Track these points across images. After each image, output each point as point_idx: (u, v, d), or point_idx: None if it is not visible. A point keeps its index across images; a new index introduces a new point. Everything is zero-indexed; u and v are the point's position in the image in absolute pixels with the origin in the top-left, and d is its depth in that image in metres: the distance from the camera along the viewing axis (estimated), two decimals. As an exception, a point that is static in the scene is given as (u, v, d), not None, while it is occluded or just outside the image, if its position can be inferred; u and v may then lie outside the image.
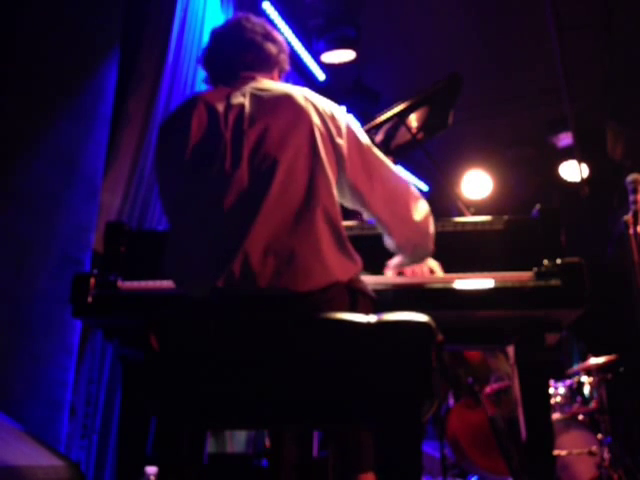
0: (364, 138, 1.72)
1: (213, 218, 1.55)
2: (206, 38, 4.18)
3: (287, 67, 1.85)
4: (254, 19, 1.81)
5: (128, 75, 3.63)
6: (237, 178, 1.54)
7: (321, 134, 1.60)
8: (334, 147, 1.62)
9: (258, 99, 1.63)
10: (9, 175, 2.90)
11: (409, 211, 1.75)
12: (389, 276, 1.94)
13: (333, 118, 1.65)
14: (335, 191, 1.59)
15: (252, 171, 1.54)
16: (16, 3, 3.01)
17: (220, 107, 1.63)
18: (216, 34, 1.81)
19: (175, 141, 1.65)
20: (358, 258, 1.61)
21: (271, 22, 4.82)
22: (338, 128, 1.65)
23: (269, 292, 1.48)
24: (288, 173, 1.53)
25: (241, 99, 1.64)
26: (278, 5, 4.80)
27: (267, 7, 4.74)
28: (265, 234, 1.49)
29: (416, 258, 1.87)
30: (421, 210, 1.78)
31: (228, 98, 1.65)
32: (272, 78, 1.80)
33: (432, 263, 1.95)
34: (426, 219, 1.79)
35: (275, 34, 1.82)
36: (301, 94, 1.65)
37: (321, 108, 1.65)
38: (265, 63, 1.77)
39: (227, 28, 1.81)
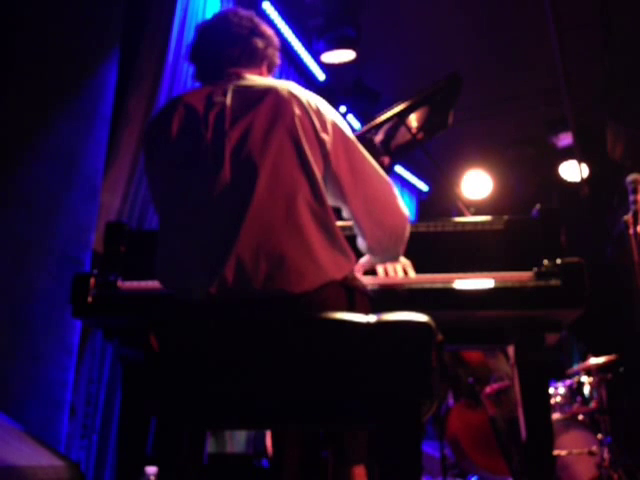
0: (350, 135, 1.68)
1: (200, 222, 1.52)
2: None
3: (277, 61, 1.81)
4: (242, 13, 1.77)
5: (128, 75, 3.63)
6: (220, 179, 1.51)
7: (304, 128, 1.56)
8: (319, 142, 1.58)
9: (240, 96, 1.60)
10: (9, 175, 2.89)
11: (386, 214, 1.72)
12: (389, 277, 1.94)
13: (318, 112, 1.61)
14: (323, 186, 1.56)
15: (235, 172, 1.51)
16: (16, 3, 3.01)
17: (200, 107, 1.60)
18: (203, 28, 1.77)
19: (157, 145, 1.63)
20: (351, 253, 1.59)
21: (271, 22, 4.82)
22: (323, 123, 1.61)
23: (263, 295, 1.46)
24: (272, 173, 1.50)
25: (222, 97, 1.60)
26: (278, 5, 4.80)
27: (267, 7, 4.74)
28: (254, 236, 1.46)
29: (384, 260, 1.86)
30: (399, 215, 1.74)
31: (209, 97, 1.61)
32: (261, 73, 1.77)
33: (404, 261, 1.93)
34: (402, 225, 1.75)
35: (263, 28, 1.77)
36: (285, 87, 1.61)
37: (305, 101, 1.60)
38: (252, 57, 1.73)
39: (214, 22, 1.77)
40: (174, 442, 1.44)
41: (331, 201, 1.68)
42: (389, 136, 2.87)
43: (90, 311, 2.01)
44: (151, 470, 2.66)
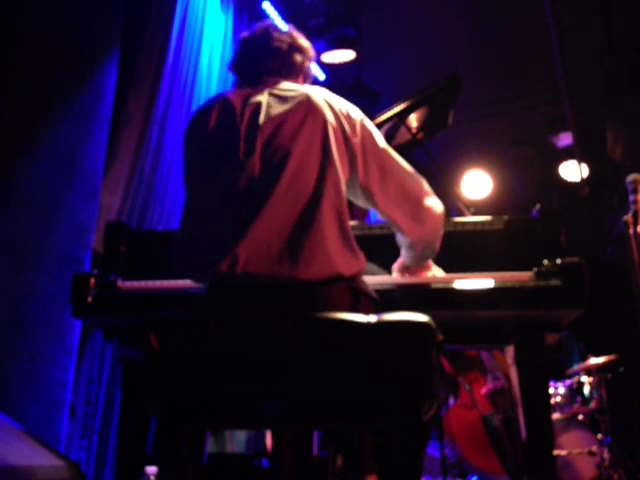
0: (379, 138, 1.74)
1: (223, 204, 1.59)
2: (206, 38, 4.19)
3: (312, 73, 1.91)
4: (281, 30, 1.87)
5: (128, 75, 3.62)
6: (249, 167, 1.59)
7: (334, 132, 1.64)
8: (347, 146, 1.66)
9: (275, 98, 1.69)
10: (9, 175, 2.89)
11: (422, 211, 1.77)
12: (389, 276, 1.94)
13: (348, 117, 1.69)
14: (344, 188, 1.62)
15: (264, 161, 1.59)
16: (16, 3, 3.01)
17: (238, 104, 1.69)
18: (244, 41, 1.87)
19: (196, 134, 1.74)
20: (362, 256, 1.63)
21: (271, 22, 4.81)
22: (353, 127, 1.68)
23: (271, 281, 1.50)
24: (299, 165, 1.57)
25: (259, 98, 1.69)
26: (278, 5, 4.80)
27: (267, 7, 4.74)
28: (272, 222, 1.53)
29: (422, 256, 1.88)
30: (434, 209, 1.80)
31: (247, 97, 1.71)
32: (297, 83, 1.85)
33: (437, 271, 1.95)
34: (439, 218, 1.82)
35: (301, 42, 1.86)
36: (318, 93, 1.70)
37: (337, 107, 1.68)
38: (290, 70, 1.81)
39: (256, 35, 1.86)
40: (174, 442, 1.44)
41: (362, 204, 1.77)
42: (389, 136, 2.87)
43: (90, 311, 2.01)
44: (151, 470, 2.66)
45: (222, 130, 1.67)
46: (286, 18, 4.88)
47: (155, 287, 2.00)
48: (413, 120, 2.86)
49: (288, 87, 1.72)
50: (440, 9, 4.94)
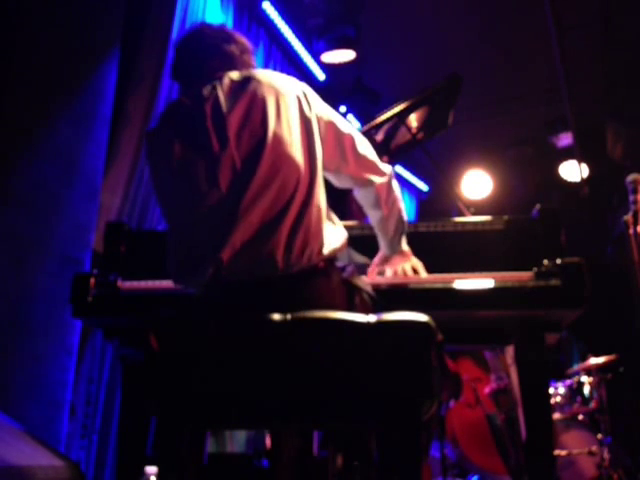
0: (327, 107, 1.77)
1: (209, 200, 1.58)
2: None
3: (254, 64, 1.89)
4: (214, 26, 1.87)
5: (128, 75, 3.63)
6: (227, 159, 1.59)
7: (296, 108, 1.66)
8: (305, 118, 1.67)
9: (228, 87, 1.69)
10: (9, 175, 2.89)
11: (378, 166, 1.84)
12: (389, 276, 1.95)
13: (302, 91, 1.71)
14: (321, 161, 1.64)
15: (241, 151, 1.59)
16: (16, 3, 3.01)
17: (194, 102, 1.69)
18: (179, 47, 1.86)
19: (161, 145, 1.72)
20: (344, 232, 1.65)
21: (271, 22, 4.83)
22: (308, 102, 1.70)
23: (267, 273, 1.50)
24: (274, 149, 1.58)
25: (212, 91, 1.69)
26: (278, 5, 4.80)
27: (267, 7, 4.74)
28: (260, 210, 1.53)
29: (396, 230, 1.90)
30: (385, 167, 1.86)
31: (200, 94, 1.70)
32: None
33: (416, 262, 1.96)
34: (394, 183, 1.88)
35: (236, 36, 1.87)
36: (262, 73, 1.72)
37: (287, 81, 1.72)
38: (230, 64, 1.80)
39: (189, 39, 1.86)
40: (174, 442, 1.44)
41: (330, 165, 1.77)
42: (389, 136, 2.87)
43: (90, 311, 2.01)
44: (151, 470, 2.66)
45: (188, 131, 1.67)
46: (286, 18, 4.88)
47: (155, 287, 2.00)
48: (413, 120, 2.86)
49: (234, 75, 1.72)
50: (440, 9, 4.94)
